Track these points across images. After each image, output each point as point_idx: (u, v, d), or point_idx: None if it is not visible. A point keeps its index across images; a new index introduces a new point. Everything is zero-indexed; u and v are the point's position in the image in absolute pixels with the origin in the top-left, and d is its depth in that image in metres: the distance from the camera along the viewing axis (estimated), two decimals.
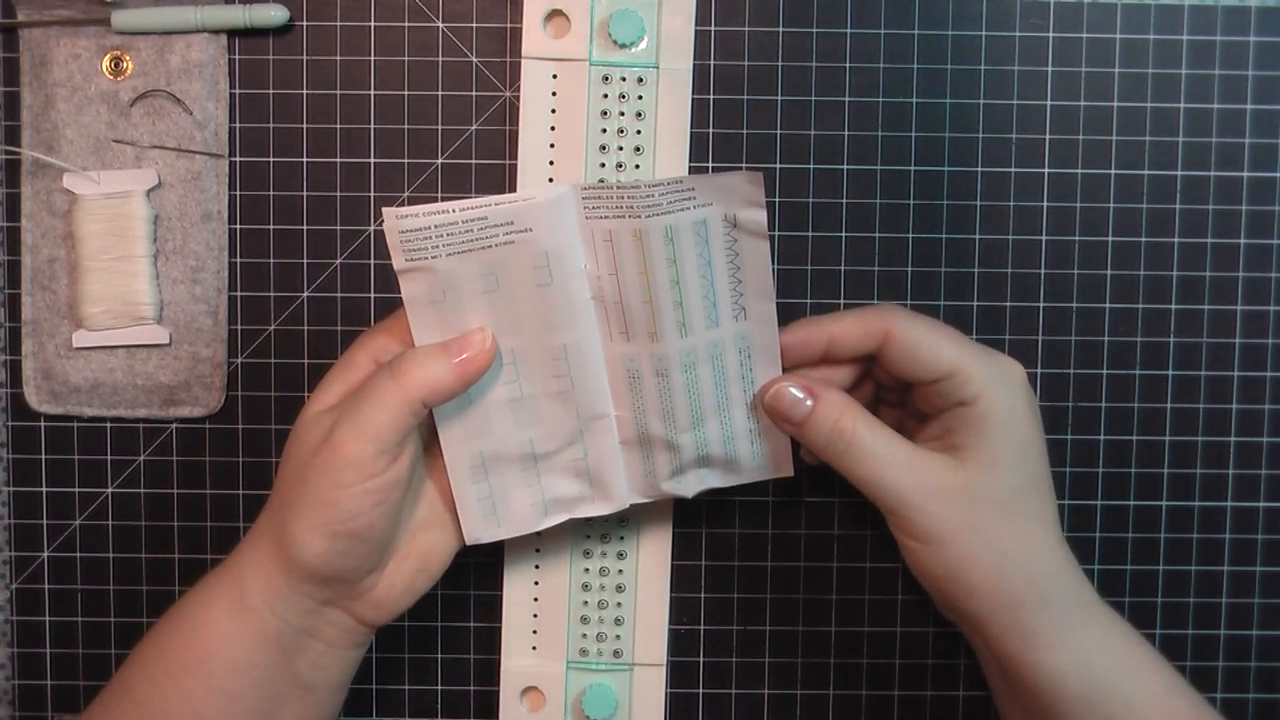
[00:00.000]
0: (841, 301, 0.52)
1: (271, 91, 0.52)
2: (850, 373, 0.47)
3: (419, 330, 0.45)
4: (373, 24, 0.52)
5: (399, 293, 0.52)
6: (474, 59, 0.52)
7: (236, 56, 0.52)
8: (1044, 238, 0.52)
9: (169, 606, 0.47)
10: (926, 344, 0.44)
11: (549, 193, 0.44)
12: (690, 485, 0.48)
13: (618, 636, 0.52)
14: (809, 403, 0.44)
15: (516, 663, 0.52)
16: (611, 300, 0.45)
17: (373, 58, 0.52)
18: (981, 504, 0.43)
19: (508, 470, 0.47)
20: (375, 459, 0.43)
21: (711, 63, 0.52)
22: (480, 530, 0.47)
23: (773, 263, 0.52)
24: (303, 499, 0.43)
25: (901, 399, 0.49)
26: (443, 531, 0.47)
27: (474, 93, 0.52)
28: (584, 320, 0.46)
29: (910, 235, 0.52)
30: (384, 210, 0.43)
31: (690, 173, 0.51)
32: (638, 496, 0.48)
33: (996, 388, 0.44)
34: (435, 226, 0.43)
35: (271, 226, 0.52)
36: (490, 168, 0.52)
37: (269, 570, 0.44)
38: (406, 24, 0.52)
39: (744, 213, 0.44)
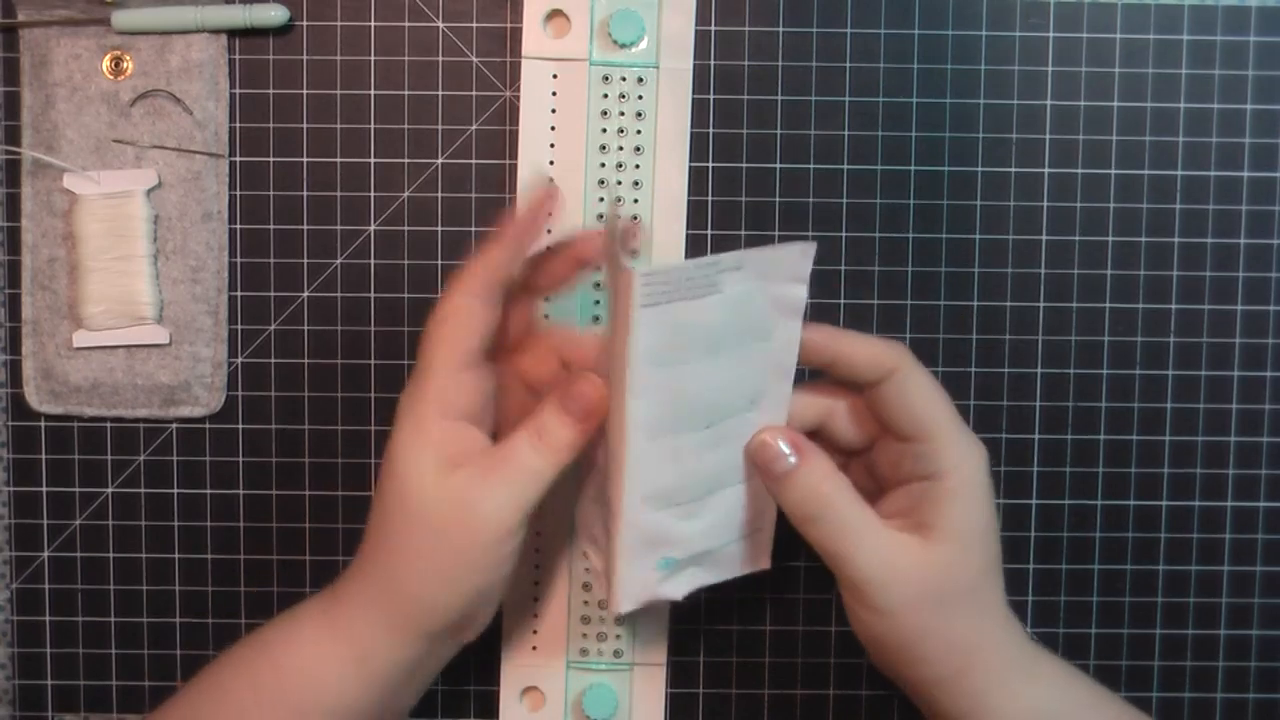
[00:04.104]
0: (841, 301, 0.52)
1: (271, 91, 0.52)
2: (831, 403, 0.46)
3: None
4: (373, 24, 0.52)
5: (402, 292, 0.52)
6: (474, 59, 0.52)
7: (236, 56, 0.52)
8: (1044, 238, 0.52)
9: (251, 638, 0.46)
10: (925, 398, 0.43)
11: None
12: (681, 586, 0.46)
13: (618, 636, 0.52)
14: (793, 459, 0.43)
15: (516, 663, 0.52)
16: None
17: (373, 58, 0.52)
18: (946, 583, 0.43)
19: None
20: (520, 530, 0.43)
21: (711, 63, 0.52)
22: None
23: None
24: (438, 572, 0.43)
25: (846, 463, 0.47)
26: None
27: (474, 93, 0.52)
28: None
29: (910, 235, 0.52)
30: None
31: (691, 177, 0.51)
32: (633, 604, 0.45)
33: (967, 466, 0.43)
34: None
35: (271, 226, 0.52)
36: (490, 168, 0.52)
37: (392, 629, 0.44)
38: (406, 24, 0.52)
39: (784, 288, 0.42)
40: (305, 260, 0.52)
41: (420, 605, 0.43)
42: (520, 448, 0.43)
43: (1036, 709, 0.44)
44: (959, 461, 0.43)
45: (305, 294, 0.52)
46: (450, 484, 0.42)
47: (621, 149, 0.50)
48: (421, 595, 0.43)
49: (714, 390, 0.43)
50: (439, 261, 0.52)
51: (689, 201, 0.51)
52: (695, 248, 0.52)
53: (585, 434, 0.43)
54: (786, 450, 0.43)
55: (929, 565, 0.43)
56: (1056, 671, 0.46)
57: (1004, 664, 0.44)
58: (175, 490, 0.53)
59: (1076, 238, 0.52)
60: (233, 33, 0.51)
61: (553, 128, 0.51)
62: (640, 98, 0.50)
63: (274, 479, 0.52)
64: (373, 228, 0.52)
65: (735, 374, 0.43)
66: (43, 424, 0.53)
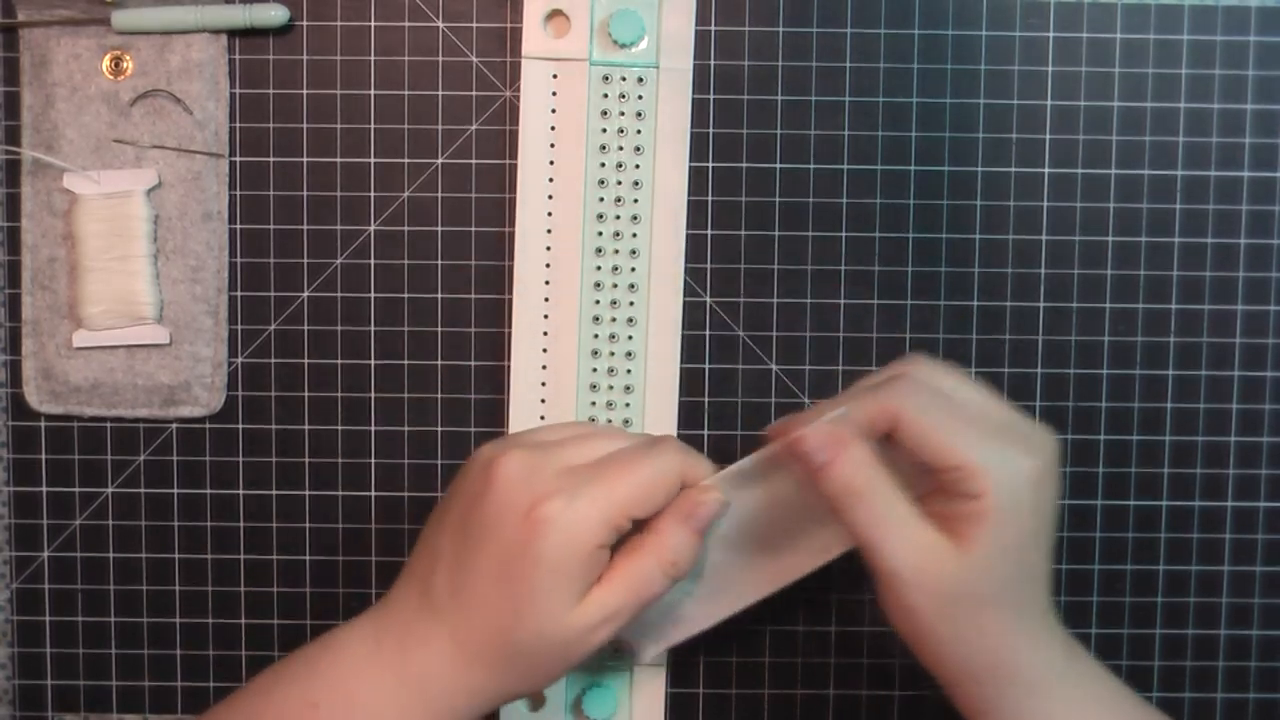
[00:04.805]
0: (841, 301, 0.52)
1: (271, 91, 0.52)
2: None
3: None
4: (373, 24, 0.52)
5: (402, 292, 0.52)
6: (474, 59, 0.52)
7: (236, 56, 0.52)
8: (1044, 237, 0.52)
9: (299, 657, 0.46)
10: (938, 434, 0.43)
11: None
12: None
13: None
14: (824, 455, 0.43)
15: None
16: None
17: (373, 58, 0.52)
18: (970, 594, 0.43)
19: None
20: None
21: (711, 63, 0.52)
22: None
23: (774, 283, 0.52)
24: (548, 674, 0.45)
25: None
26: None
27: (474, 93, 0.52)
28: None
29: (910, 235, 0.52)
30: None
31: (691, 177, 0.51)
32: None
33: (1003, 487, 0.43)
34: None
35: (271, 226, 0.52)
36: (490, 168, 0.52)
37: (476, 689, 0.44)
38: (406, 24, 0.52)
39: None
40: (305, 260, 0.52)
41: (522, 683, 0.45)
42: (652, 574, 0.44)
43: None
44: (992, 484, 0.42)
45: (305, 294, 0.52)
46: (585, 615, 0.44)
47: (621, 149, 0.50)
48: (525, 676, 0.44)
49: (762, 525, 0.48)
50: (439, 261, 0.52)
51: (689, 201, 0.51)
52: (695, 247, 0.52)
53: (701, 541, 0.46)
54: (821, 445, 0.44)
55: (958, 571, 0.43)
56: (1094, 686, 0.45)
57: (1025, 677, 0.44)
58: (175, 490, 0.53)
59: (1076, 238, 0.52)
60: (233, 33, 0.51)
61: (553, 128, 0.51)
62: (640, 98, 0.50)
63: (274, 479, 0.53)
64: (373, 228, 0.52)
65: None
66: (43, 424, 0.53)
